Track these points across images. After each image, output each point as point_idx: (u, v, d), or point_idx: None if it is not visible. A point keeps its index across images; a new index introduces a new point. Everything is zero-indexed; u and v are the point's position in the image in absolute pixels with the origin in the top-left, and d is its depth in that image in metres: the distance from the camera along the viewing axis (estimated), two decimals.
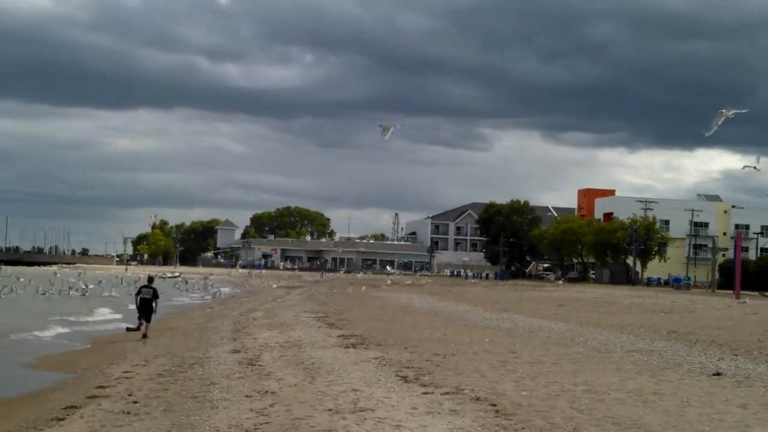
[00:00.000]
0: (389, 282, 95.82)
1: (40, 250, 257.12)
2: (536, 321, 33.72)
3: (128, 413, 13.96)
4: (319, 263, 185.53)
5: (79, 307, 48.41)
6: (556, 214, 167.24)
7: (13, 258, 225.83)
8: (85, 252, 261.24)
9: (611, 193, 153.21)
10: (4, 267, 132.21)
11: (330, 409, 13.45)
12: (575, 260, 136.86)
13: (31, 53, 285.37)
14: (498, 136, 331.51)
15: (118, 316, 41.41)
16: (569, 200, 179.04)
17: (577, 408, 13.54)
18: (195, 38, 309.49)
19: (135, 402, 15.04)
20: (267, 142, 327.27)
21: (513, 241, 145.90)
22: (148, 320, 30.74)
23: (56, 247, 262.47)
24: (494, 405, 13.63)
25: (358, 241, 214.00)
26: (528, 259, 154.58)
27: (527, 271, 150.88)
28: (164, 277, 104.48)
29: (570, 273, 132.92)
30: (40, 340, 30.71)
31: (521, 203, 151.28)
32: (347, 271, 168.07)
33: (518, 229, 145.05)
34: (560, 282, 61.36)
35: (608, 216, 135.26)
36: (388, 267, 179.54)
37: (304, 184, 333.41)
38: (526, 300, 54.84)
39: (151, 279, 33.04)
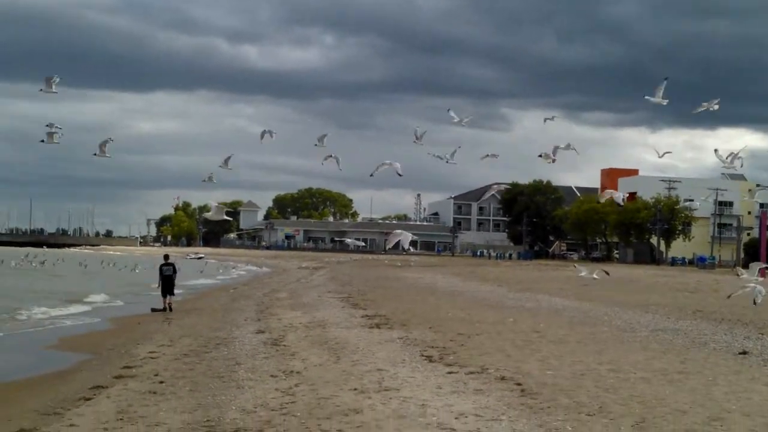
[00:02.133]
0: (412, 263, 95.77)
1: (64, 232, 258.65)
2: (560, 301, 33.63)
3: (155, 393, 14.04)
4: (341, 244, 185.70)
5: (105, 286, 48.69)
6: (579, 194, 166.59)
7: (38, 240, 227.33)
8: (108, 234, 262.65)
9: (634, 172, 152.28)
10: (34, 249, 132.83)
11: (355, 389, 13.48)
12: (599, 240, 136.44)
13: (52, 36, 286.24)
14: (518, 117, 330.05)
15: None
16: (591, 180, 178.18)
17: (603, 387, 13.51)
18: (214, 20, 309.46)
19: (161, 382, 15.13)
20: (288, 123, 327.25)
21: (536, 221, 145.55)
22: (172, 294, 33.51)
23: (80, 228, 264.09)
24: (519, 384, 13.62)
25: (380, 221, 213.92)
26: (551, 239, 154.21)
27: (550, 251, 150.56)
28: (187, 259, 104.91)
29: (593, 253, 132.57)
30: (65, 320, 30.91)
31: (544, 183, 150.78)
32: (369, 252, 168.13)
33: (541, 209, 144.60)
34: (576, 266, 61.04)
35: (632, 195, 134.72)
36: (410, 248, 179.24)
37: (325, 165, 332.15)
38: (549, 280, 54.75)
39: (167, 256, 35.12)
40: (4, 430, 12.24)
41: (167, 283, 33.32)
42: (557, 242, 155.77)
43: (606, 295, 36.83)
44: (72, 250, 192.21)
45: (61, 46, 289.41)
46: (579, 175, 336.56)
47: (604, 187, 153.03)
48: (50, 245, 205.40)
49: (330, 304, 32.40)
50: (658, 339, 20.61)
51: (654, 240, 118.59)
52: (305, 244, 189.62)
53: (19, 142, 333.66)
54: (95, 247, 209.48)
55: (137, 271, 69.68)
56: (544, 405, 12.07)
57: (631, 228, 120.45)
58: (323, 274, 65.67)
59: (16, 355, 21.87)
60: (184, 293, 42.07)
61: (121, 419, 12.14)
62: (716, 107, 24.23)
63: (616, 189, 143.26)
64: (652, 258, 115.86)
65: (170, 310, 32.59)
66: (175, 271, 34.04)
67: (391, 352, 17.75)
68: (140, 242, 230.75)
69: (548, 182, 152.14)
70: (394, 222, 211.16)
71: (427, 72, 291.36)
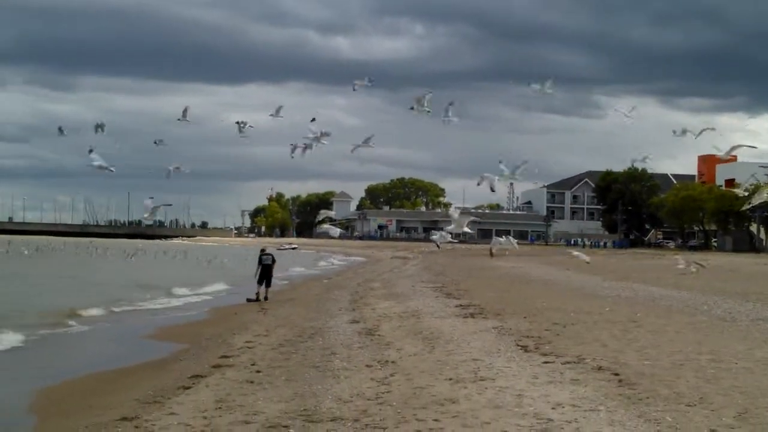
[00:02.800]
0: (507, 252, 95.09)
1: (161, 224, 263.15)
2: (657, 290, 33.08)
3: (252, 382, 14.20)
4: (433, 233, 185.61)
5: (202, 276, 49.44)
6: (675, 182, 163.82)
7: (136, 231, 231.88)
8: (204, 225, 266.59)
9: (733, 159, 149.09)
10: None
11: (450, 379, 13.45)
12: (696, 228, 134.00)
13: (146, 31, 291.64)
14: (612, 103, 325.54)
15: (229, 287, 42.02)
16: (687, 167, 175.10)
17: (703, 377, 13.25)
18: (305, 12, 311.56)
19: (258, 371, 15.29)
20: (379, 113, 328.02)
21: (631, 209, 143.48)
22: (269, 284, 34.16)
23: (176, 220, 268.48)
24: (617, 374, 13.43)
25: (473, 211, 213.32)
26: (647, 227, 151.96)
27: (646, 239, 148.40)
28: (282, 249, 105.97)
29: (691, 241, 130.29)
30: (161, 310, 31.53)
31: (639, 171, 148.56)
32: (462, 241, 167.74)
33: (636, 197, 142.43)
34: (678, 257, 60.07)
35: (730, 182, 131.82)
36: (503, 237, 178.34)
37: (417, 155, 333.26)
38: (645, 268, 53.96)
39: (264, 249, 36.13)
40: (106, 418, 12.50)
41: (265, 272, 34.05)
42: (653, 230, 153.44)
43: (705, 284, 36.13)
44: (172, 241, 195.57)
45: (155, 40, 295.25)
46: (675, 162, 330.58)
47: (701, 174, 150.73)
48: (147, 237, 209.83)
49: (423, 293, 32.40)
50: (759, 328, 20.12)
51: (754, 227, 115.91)
52: (398, 233, 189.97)
53: (116, 135, 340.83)
54: (191, 239, 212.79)
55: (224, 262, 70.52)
56: (642, 395, 11.89)
57: (730, 215, 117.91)
58: (416, 264, 65.78)
59: (116, 345, 22.36)
60: (278, 284, 42.43)
61: (219, 408, 12.30)
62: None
63: (714, 176, 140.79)
64: (752, 246, 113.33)
65: (266, 299, 33.08)
66: (273, 261, 34.78)
67: (486, 342, 17.67)
68: (235, 233, 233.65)
69: (644, 170, 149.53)
70: (486, 211, 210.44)
71: (518, 60, 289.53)
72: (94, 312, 29.38)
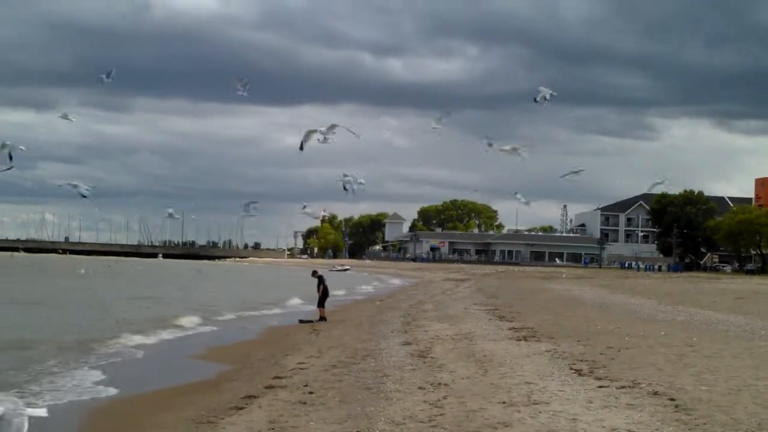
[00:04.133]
0: (564, 275, 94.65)
1: (214, 244, 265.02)
2: (713, 314, 32.66)
3: (305, 403, 14.22)
4: (486, 256, 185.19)
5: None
6: (732, 205, 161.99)
7: (190, 252, 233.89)
8: (257, 246, 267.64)
9: None
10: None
11: (504, 402, 13.36)
12: (753, 252, 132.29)
13: (199, 53, 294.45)
14: (666, 125, 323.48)
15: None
16: (744, 190, 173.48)
17: (762, 403, 13.02)
18: (359, 34, 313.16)
19: (311, 393, 15.30)
20: (431, 135, 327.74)
21: (686, 232, 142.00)
22: (324, 305, 34.41)
23: (230, 241, 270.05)
24: (673, 399, 13.24)
25: (526, 233, 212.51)
26: (703, 250, 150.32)
27: (702, 263, 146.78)
28: (334, 270, 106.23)
29: (747, 265, 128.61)
30: (212, 330, 31.78)
31: (695, 193, 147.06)
32: (513, 264, 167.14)
33: (692, 220, 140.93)
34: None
35: None
36: (556, 259, 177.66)
37: (469, 176, 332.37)
38: (701, 292, 53.33)
39: (315, 272, 36.39)
40: None
41: (325, 294, 34.59)
42: (709, 254, 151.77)
43: (763, 309, 35.64)
44: (224, 262, 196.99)
45: (210, 62, 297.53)
46: (731, 184, 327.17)
47: (758, 197, 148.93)
48: (201, 257, 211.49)
49: (476, 316, 32.27)
50: None
51: None
52: (450, 255, 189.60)
53: (170, 156, 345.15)
54: (244, 259, 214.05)
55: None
56: (699, 421, 11.71)
57: None
58: (469, 286, 65.53)
59: (168, 365, 22.48)
60: (330, 305, 42.53)
61: (272, 429, 12.33)
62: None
63: None
64: None
65: (325, 320, 33.37)
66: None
67: (540, 365, 17.54)
68: (288, 254, 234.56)
69: (700, 192, 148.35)
70: (540, 234, 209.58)
71: (571, 81, 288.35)
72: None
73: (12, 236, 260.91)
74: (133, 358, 23.66)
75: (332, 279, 42.07)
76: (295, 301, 47.94)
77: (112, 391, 17.85)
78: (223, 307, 41.91)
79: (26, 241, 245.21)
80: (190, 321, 34.24)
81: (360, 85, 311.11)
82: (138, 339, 27.26)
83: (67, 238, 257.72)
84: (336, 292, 54.57)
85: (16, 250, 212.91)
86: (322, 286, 34.38)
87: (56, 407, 15.67)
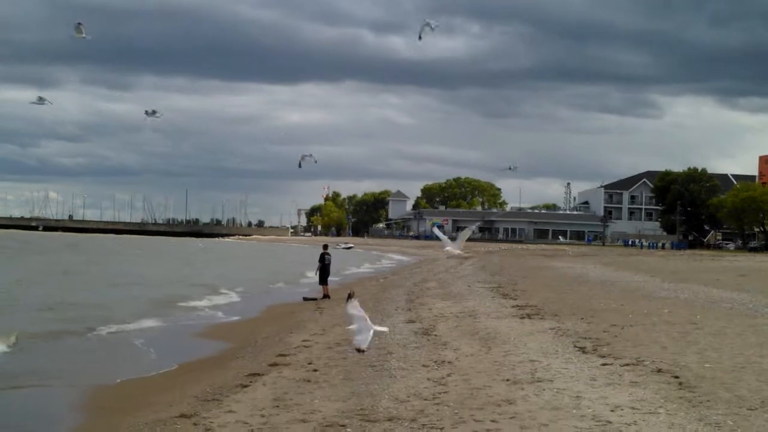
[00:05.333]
0: (570, 252, 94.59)
1: (218, 222, 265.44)
2: (717, 291, 32.67)
3: (309, 381, 14.26)
4: (489, 233, 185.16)
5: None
6: (735, 182, 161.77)
7: (194, 230, 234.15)
8: (260, 224, 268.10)
9: None
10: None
11: (507, 380, 13.40)
12: (756, 229, 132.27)
13: (201, 30, 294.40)
14: (669, 103, 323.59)
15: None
16: (747, 167, 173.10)
17: (765, 380, 13.04)
18: (360, 11, 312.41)
19: (315, 370, 15.35)
20: (433, 113, 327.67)
21: (690, 209, 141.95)
22: (327, 282, 34.36)
23: (233, 219, 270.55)
24: (677, 377, 13.28)
25: (529, 210, 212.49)
26: (706, 228, 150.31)
27: (705, 240, 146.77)
28: (337, 248, 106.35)
29: (751, 242, 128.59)
30: (215, 308, 31.80)
31: (698, 171, 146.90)
32: (517, 241, 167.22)
33: (695, 198, 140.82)
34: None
35: None
36: (560, 237, 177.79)
37: (472, 154, 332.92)
38: (705, 270, 53.36)
39: (326, 246, 36.15)
40: (165, 415, 12.63)
41: (325, 271, 34.38)
42: (712, 232, 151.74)
43: (766, 286, 35.66)
44: (227, 240, 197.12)
45: (212, 39, 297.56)
46: (735, 162, 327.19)
47: (762, 175, 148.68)
48: (205, 235, 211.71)
49: (480, 293, 32.28)
50: None
51: None
52: (454, 233, 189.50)
53: (173, 134, 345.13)
54: (247, 237, 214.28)
55: None
56: (703, 398, 11.75)
57: None
58: (472, 264, 65.54)
59: (174, 344, 22.51)
60: (333, 283, 42.61)
61: (277, 406, 12.37)
62: None
63: None
64: None
65: (329, 297, 33.29)
66: (330, 260, 35.14)
67: (543, 343, 17.57)
68: (291, 232, 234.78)
69: (703, 170, 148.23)
70: (543, 211, 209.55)
71: (574, 59, 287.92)
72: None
73: (16, 214, 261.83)
74: (142, 336, 23.74)
75: (337, 257, 42.15)
76: (300, 279, 48.04)
77: (132, 367, 17.96)
78: (227, 285, 41.98)
79: (30, 218, 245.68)
80: (195, 299, 34.30)
81: (361, 63, 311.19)
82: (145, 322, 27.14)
83: (71, 216, 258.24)
84: (340, 270, 54.75)
85: (36, 228, 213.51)
86: (320, 264, 34.40)
87: None
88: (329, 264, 34.75)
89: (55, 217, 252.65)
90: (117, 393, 15.48)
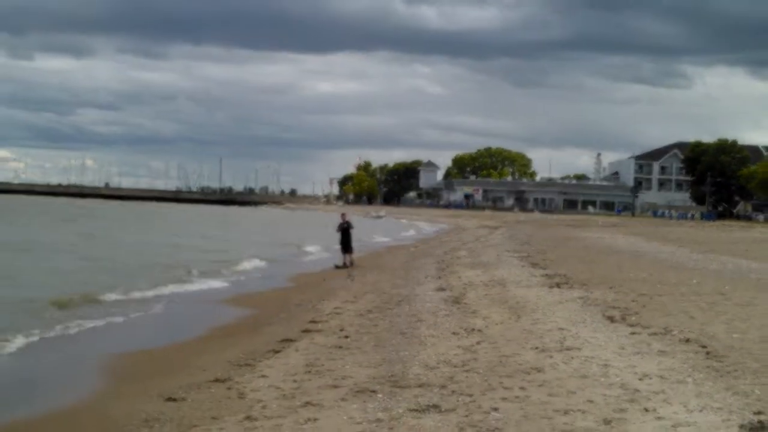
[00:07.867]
0: (600, 222, 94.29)
1: (251, 191, 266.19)
2: (746, 262, 32.61)
3: (340, 347, 14.46)
4: (520, 204, 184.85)
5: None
6: (766, 153, 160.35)
7: (227, 198, 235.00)
8: (293, 192, 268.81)
9: None
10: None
11: (536, 348, 13.53)
12: None
13: (235, 1, 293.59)
14: (700, 74, 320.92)
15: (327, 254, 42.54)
16: None
17: None
18: None
19: (346, 337, 15.56)
20: (464, 83, 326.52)
21: (720, 180, 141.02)
22: (351, 251, 34.93)
23: (266, 187, 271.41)
24: (704, 347, 13.35)
25: (559, 181, 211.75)
26: (736, 199, 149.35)
27: (735, 211, 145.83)
28: (369, 217, 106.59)
29: None
30: (249, 276, 32.02)
31: (729, 142, 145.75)
32: (547, 211, 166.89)
33: (726, 169, 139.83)
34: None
35: None
36: (590, 207, 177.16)
37: (502, 124, 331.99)
38: (734, 241, 53.19)
39: (344, 215, 37.02)
40: (200, 378, 12.87)
41: (347, 240, 34.97)
42: (743, 203, 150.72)
43: None
44: (261, 208, 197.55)
45: (245, 9, 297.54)
46: (766, 133, 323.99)
47: None
48: (238, 203, 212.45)
49: (509, 263, 32.39)
50: None
51: None
52: (484, 203, 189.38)
53: (206, 103, 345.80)
54: (280, 205, 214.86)
55: None
56: (730, 368, 11.82)
57: None
58: (502, 233, 65.58)
59: (208, 310, 22.75)
60: (365, 251, 42.82)
61: (309, 372, 12.58)
62: None
63: None
64: None
65: (352, 265, 33.44)
66: (352, 227, 35.76)
67: (572, 312, 17.69)
68: (324, 201, 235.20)
69: (734, 141, 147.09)
70: (573, 182, 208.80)
71: (605, 29, 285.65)
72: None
73: (54, 181, 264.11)
74: (185, 300, 24.09)
75: (367, 225, 42.36)
76: (334, 247, 48.15)
77: (166, 333, 18.20)
78: (258, 254, 42.12)
79: (68, 186, 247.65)
80: (230, 266, 34.53)
81: (392, 33, 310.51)
82: (188, 285, 27.54)
83: (107, 184, 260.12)
84: (372, 239, 54.98)
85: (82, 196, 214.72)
86: (340, 233, 35.13)
87: None
88: (349, 232, 35.25)
89: (91, 185, 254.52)
90: (151, 357, 15.71)
